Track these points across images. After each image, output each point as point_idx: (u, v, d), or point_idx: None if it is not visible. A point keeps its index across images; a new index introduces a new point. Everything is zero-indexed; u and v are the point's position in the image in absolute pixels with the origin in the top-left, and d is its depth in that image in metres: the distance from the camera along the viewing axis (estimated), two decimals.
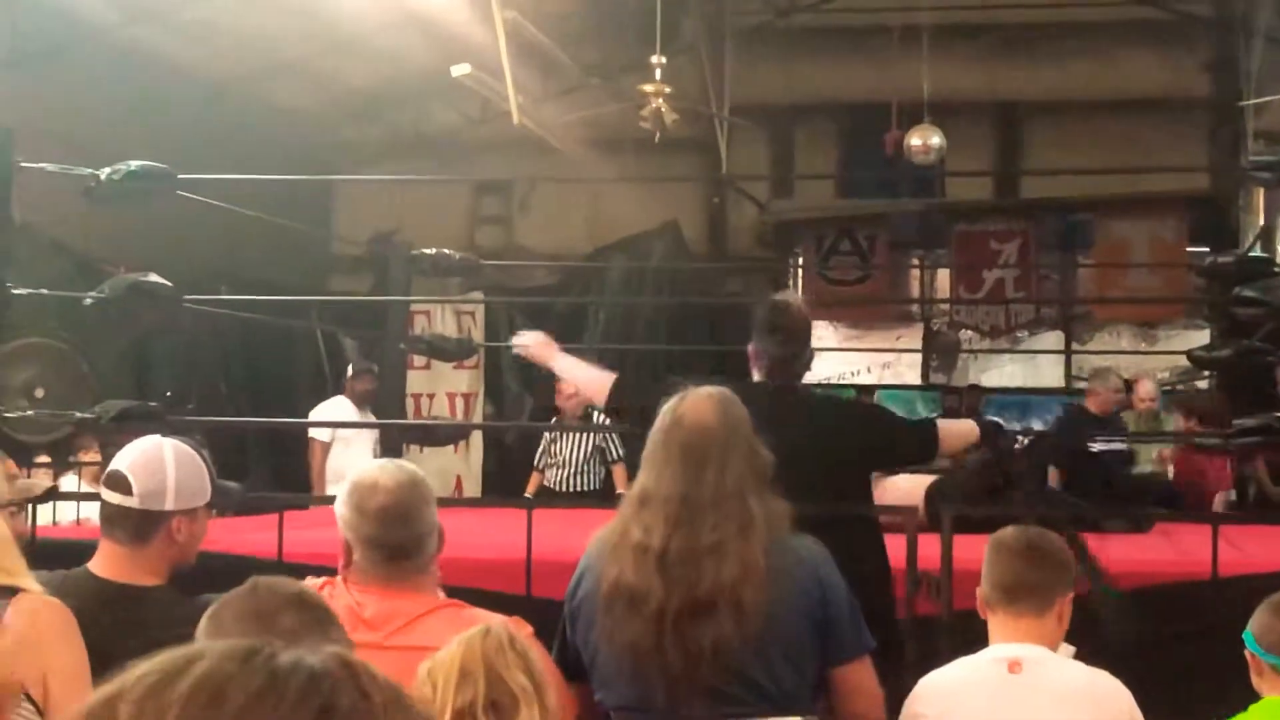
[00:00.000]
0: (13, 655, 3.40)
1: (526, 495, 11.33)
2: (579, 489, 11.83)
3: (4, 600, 3.45)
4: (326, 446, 12.17)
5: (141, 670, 1.21)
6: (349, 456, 12.03)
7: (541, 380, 16.86)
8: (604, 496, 11.11)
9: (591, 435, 11.86)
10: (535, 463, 12.04)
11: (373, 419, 11.98)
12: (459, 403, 16.18)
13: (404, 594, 3.80)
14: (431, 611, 3.76)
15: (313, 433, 12.35)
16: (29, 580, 3.59)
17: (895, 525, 5.47)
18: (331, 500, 3.86)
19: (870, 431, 5.59)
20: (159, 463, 3.94)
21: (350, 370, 12.37)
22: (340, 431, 12.13)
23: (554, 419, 12.36)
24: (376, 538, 3.83)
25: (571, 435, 11.80)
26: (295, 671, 1.20)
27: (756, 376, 5.57)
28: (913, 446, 5.78)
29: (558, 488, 11.78)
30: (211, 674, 1.18)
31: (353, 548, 3.85)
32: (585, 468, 11.96)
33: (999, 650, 4.20)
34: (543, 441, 11.92)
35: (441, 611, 3.75)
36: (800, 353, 5.57)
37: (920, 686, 4.28)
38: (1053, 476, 11.83)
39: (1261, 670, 4.24)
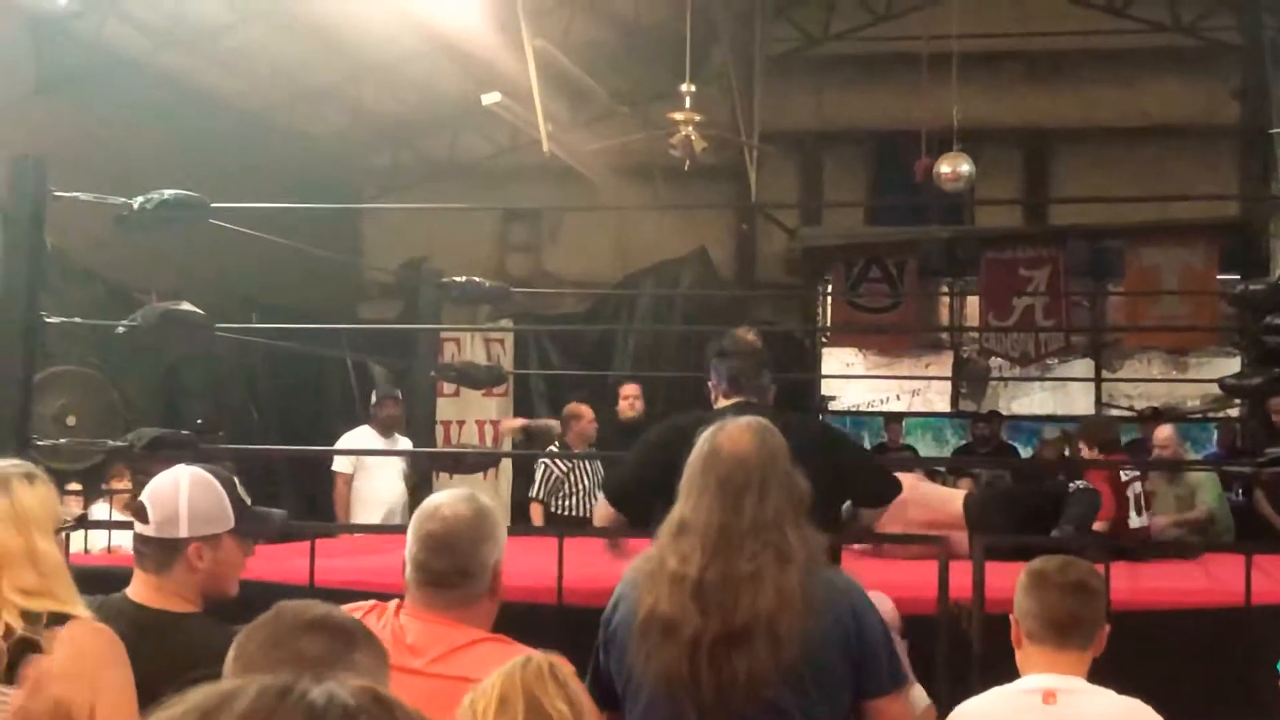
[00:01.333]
0: (63, 681, 3.41)
1: (535, 524, 11.27)
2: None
3: (47, 629, 3.46)
4: (348, 478, 12.11)
5: (180, 709, 1.22)
6: (372, 485, 12.03)
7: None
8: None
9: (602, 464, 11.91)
10: (534, 494, 11.76)
11: (401, 444, 11.95)
12: (488, 430, 16.18)
13: (448, 623, 3.78)
14: (475, 643, 3.75)
15: (334, 465, 12.30)
16: (80, 608, 3.59)
17: (929, 553, 5.45)
18: (361, 529, 3.86)
19: (828, 459, 5.32)
20: (172, 490, 3.94)
21: (374, 397, 12.31)
22: (363, 460, 12.10)
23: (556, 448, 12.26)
24: (421, 563, 3.83)
25: (588, 466, 11.76)
26: (330, 708, 1.22)
27: (719, 404, 5.65)
28: (868, 488, 5.64)
29: (587, 515, 11.74)
30: (250, 714, 1.20)
31: (407, 567, 3.86)
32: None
33: (1034, 680, 4.16)
34: (554, 473, 11.68)
35: (485, 644, 3.74)
36: (755, 369, 5.63)
37: (955, 716, 4.25)
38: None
39: None
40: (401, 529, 4.04)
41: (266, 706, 1.20)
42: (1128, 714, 4.11)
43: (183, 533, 3.91)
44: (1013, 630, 4.26)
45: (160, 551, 3.92)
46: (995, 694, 4.22)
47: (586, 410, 11.90)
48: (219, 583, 4.03)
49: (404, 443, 11.87)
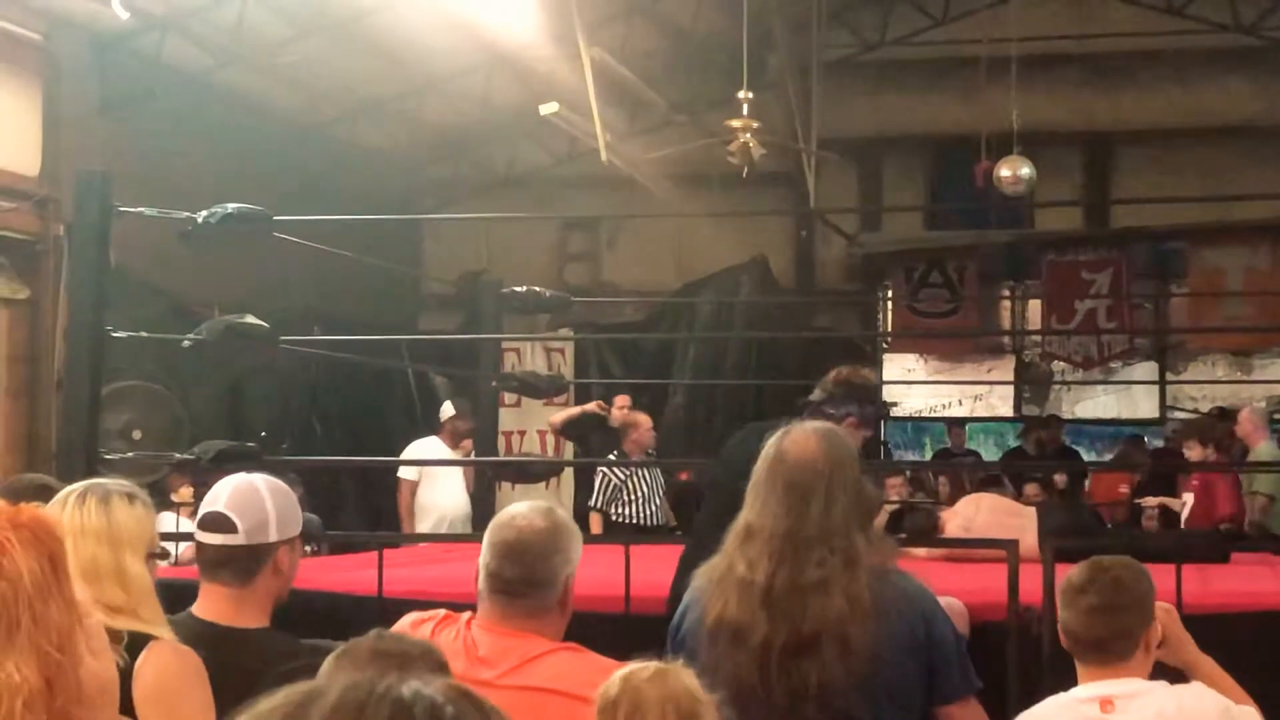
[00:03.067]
0: (144, 704, 3.42)
1: (594, 534, 11.29)
2: (660, 523, 11.89)
3: (128, 649, 3.47)
4: (413, 485, 12.25)
5: (271, 703, 1.24)
6: (436, 494, 12.12)
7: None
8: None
9: (659, 472, 12.00)
10: (594, 504, 11.87)
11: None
12: (550, 439, 16.19)
13: (520, 634, 3.78)
14: (548, 653, 3.75)
15: (400, 472, 12.41)
16: (164, 629, 3.61)
17: (997, 556, 5.42)
18: (423, 538, 3.86)
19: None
20: (257, 496, 3.96)
21: (452, 409, 12.40)
22: (428, 470, 12.19)
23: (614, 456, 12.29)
24: (493, 571, 3.84)
25: (644, 472, 11.82)
26: (418, 700, 1.24)
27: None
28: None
29: (646, 522, 11.78)
30: (343, 704, 1.22)
31: (480, 576, 3.86)
32: (662, 502, 12.03)
33: (1090, 689, 4.09)
34: (611, 481, 11.79)
35: (558, 654, 3.74)
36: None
37: None
38: None
39: None
40: (466, 537, 4.05)
41: (356, 700, 1.22)
42: (1186, 706, 4.06)
43: (273, 537, 3.94)
44: (1061, 637, 4.22)
45: (248, 559, 3.92)
46: (1052, 703, 4.17)
47: (644, 419, 11.97)
48: (287, 588, 4.06)
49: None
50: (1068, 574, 4.26)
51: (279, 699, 1.24)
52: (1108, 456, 17.27)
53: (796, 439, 4.15)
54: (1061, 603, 4.19)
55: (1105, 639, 4.08)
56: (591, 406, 12.92)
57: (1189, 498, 11.11)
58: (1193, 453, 11.24)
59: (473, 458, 11.65)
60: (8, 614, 2.43)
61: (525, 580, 3.83)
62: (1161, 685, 4.11)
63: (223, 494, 3.97)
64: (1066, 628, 4.16)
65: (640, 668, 3.23)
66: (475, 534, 4.47)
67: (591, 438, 12.70)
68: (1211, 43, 16.43)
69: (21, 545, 2.49)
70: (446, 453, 12.15)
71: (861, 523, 4.08)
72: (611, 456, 11.99)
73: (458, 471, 12.13)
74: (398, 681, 1.26)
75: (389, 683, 1.25)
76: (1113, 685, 4.08)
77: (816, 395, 5.60)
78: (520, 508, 3.92)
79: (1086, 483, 14.99)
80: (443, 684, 1.28)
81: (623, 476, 11.80)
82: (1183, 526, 10.81)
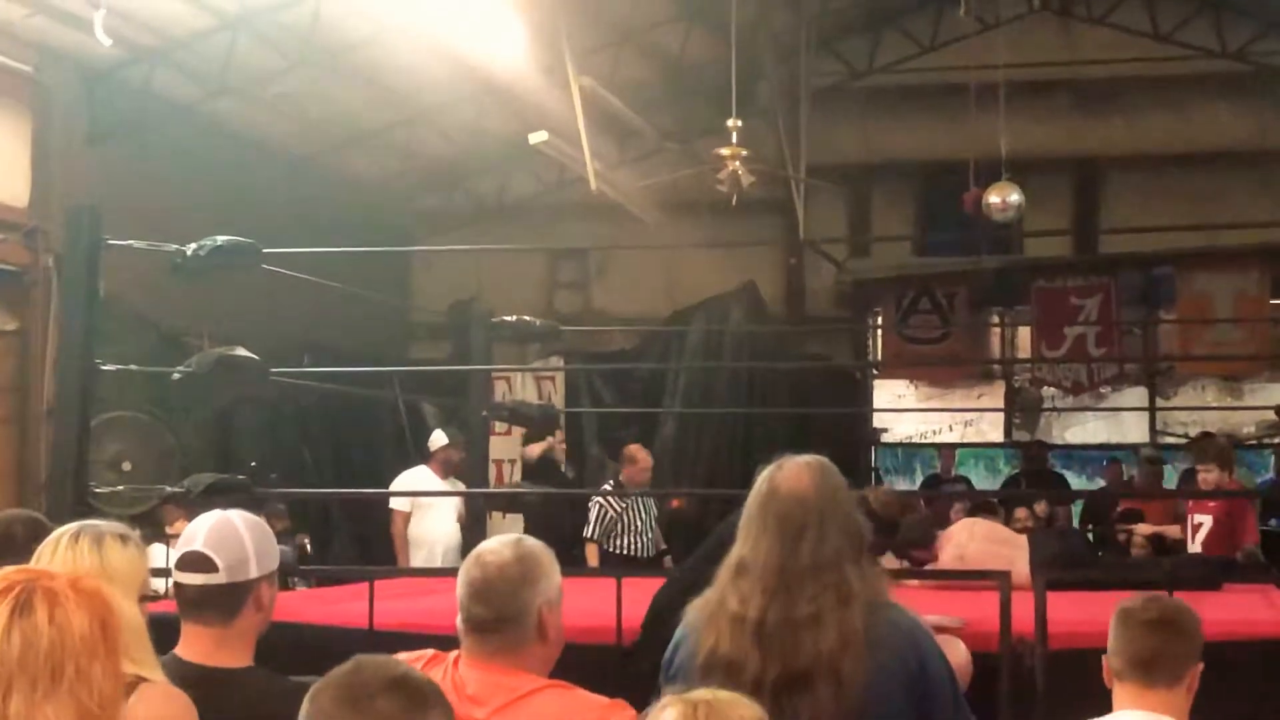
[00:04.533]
0: None
1: (591, 565, 11.26)
2: (653, 554, 11.89)
3: None
4: (406, 516, 12.20)
5: None
6: (428, 525, 12.08)
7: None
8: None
9: (653, 504, 12.00)
10: (589, 534, 11.80)
11: (459, 487, 11.99)
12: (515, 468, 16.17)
13: (506, 671, 3.76)
14: (535, 692, 3.73)
15: (392, 502, 12.38)
16: (156, 671, 3.59)
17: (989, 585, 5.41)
18: (414, 572, 3.84)
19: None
20: (235, 533, 3.93)
21: (444, 439, 12.34)
22: (420, 500, 12.16)
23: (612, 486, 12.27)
24: (466, 611, 3.82)
25: (641, 504, 11.81)
26: None
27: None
28: None
29: (640, 554, 11.75)
30: None
31: (460, 619, 3.85)
32: (655, 533, 12.03)
33: (1125, 717, 4.13)
34: (608, 512, 11.76)
35: (546, 692, 3.72)
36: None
37: None
38: None
39: None
40: (454, 571, 4.03)
41: None
42: None
43: (254, 573, 3.91)
44: (1104, 670, 4.23)
45: (229, 597, 3.90)
46: None
47: (644, 456, 11.96)
48: (268, 622, 4.04)
49: (459, 485, 11.95)
50: (1124, 601, 4.30)
51: None
52: (1099, 481, 17.27)
53: (788, 473, 4.13)
54: (1119, 623, 4.22)
55: (1157, 658, 4.11)
56: (549, 443, 12.94)
57: (1206, 519, 11.01)
58: (1210, 476, 11.14)
59: (461, 488, 11.65)
60: (53, 660, 2.42)
61: (496, 619, 3.81)
62: None
63: (200, 533, 3.93)
64: (1120, 647, 4.17)
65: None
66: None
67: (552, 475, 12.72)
68: (1199, 68, 16.48)
69: (78, 603, 2.50)
70: (437, 483, 12.11)
71: (854, 555, 4.06)
72: (607, 487, 11.98)
73: (450, 501, 12.09)
74: None
75: None
76: (1151, 717, 4.08)
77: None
78: (491, 543, 3.90)
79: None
80: None
81: (620, 508, 11.79)
82: (1199, 550, 10.73)
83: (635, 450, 12.01)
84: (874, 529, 5.57)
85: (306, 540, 13.01)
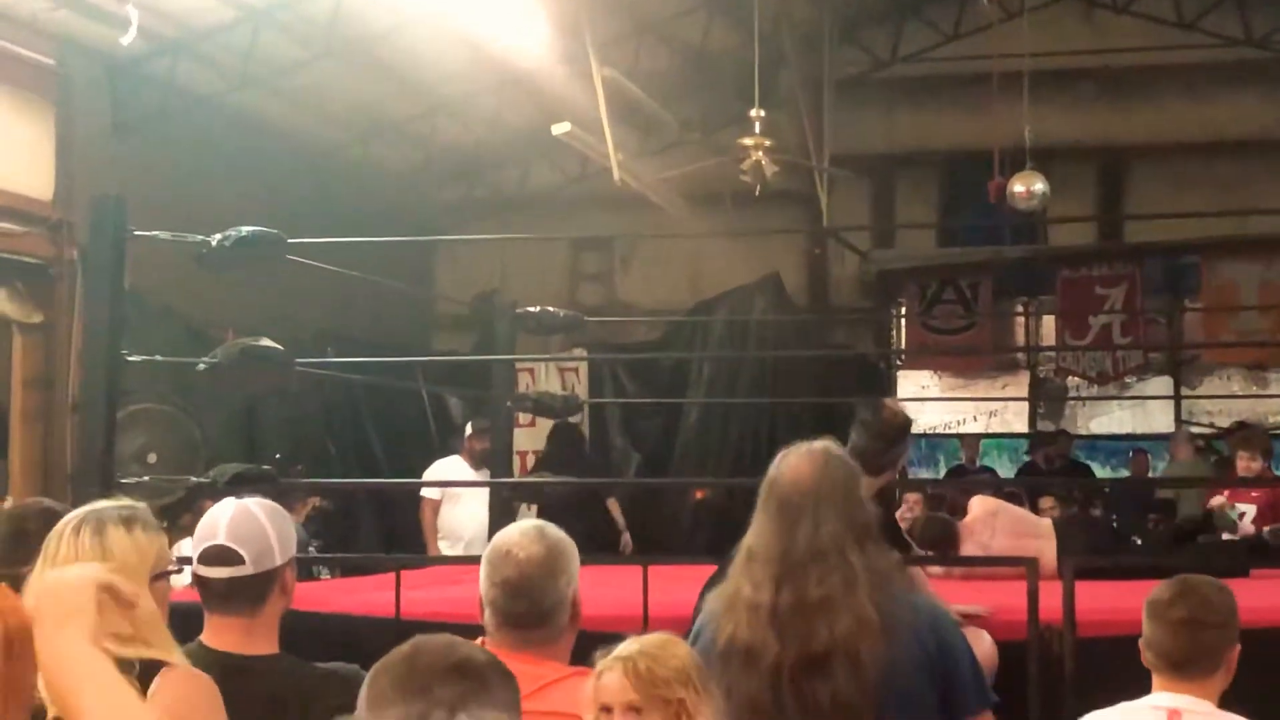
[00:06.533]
0: None
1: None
2: None
3: (141, 677, 3.44)
4: (436, 505, 12.22)
5: None
6: (458, 514, 12.09)
7: (649, 437, 16.92)
8: None
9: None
10: None
11: (488, 477, 12.00)
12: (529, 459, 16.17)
13: (533, 660, 3.76)
14: (563, 679, 3.73)
15: (424, 491, 12.40)
16: (176, 655, 3.57)
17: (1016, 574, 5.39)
18: (443, 560, 3.82)
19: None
20: (256, 523, 3.92)
21: (470, 429, 12.36)
22: (450, 489, 12.18)
23: None
24: (501, 607, 3.81)
25: None
26: None
27: None
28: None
29: None
30: None
31: (484, 609, 3.84)
32: None
33: (1160, 699, 4.13)
34: None
35: (572, 679, 3.73)
36: (881, 449, 5.51)
37: None
38: None
39: None
40: (476, 559, 4.02)
41: None
42: None
43: (279, 560, 3.91)
44: (1142, 653, 4.22)
45: (257, 587, 3.89)
46: (1120, 709, 4.18)
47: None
48: (289, 605, 4.03)
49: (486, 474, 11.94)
50: (1154, 590, 4.29)
51: None
52: (1123, 472, 17.21)
53: (790, 461, 4.16)
54: (1148, 616, 4.21)
55: (1191, 655, 4.11)
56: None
57: (1249, 509, 10.95)
58: (1255, 464, 11.07)
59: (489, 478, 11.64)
60: None
61: (535, 614, 3.82)
62: (1236, 717, 4.11)
63: (220, 524, 3.92)
64: (1151, 641, 4.17)
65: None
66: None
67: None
68: (1224, 57, 16.41)
69: None
70: (469, 472, 12.13)
71: (855, 541, 4.06)
72: None
73: (481, 491, 12.10)
74: (446, 716, 1.22)
75: (439, 717, 1.22)
76: (1184, 700, 4.08)
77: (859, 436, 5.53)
78: (513, 536, 3.89)
79: None
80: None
81: None
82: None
83: None
84: (878, 442, 5.58)
85: (318, 501, 12.91)
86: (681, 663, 3.57)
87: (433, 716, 1.19)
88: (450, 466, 12.29)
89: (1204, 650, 4.13)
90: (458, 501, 12.14)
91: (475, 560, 4.12)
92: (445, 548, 11.93)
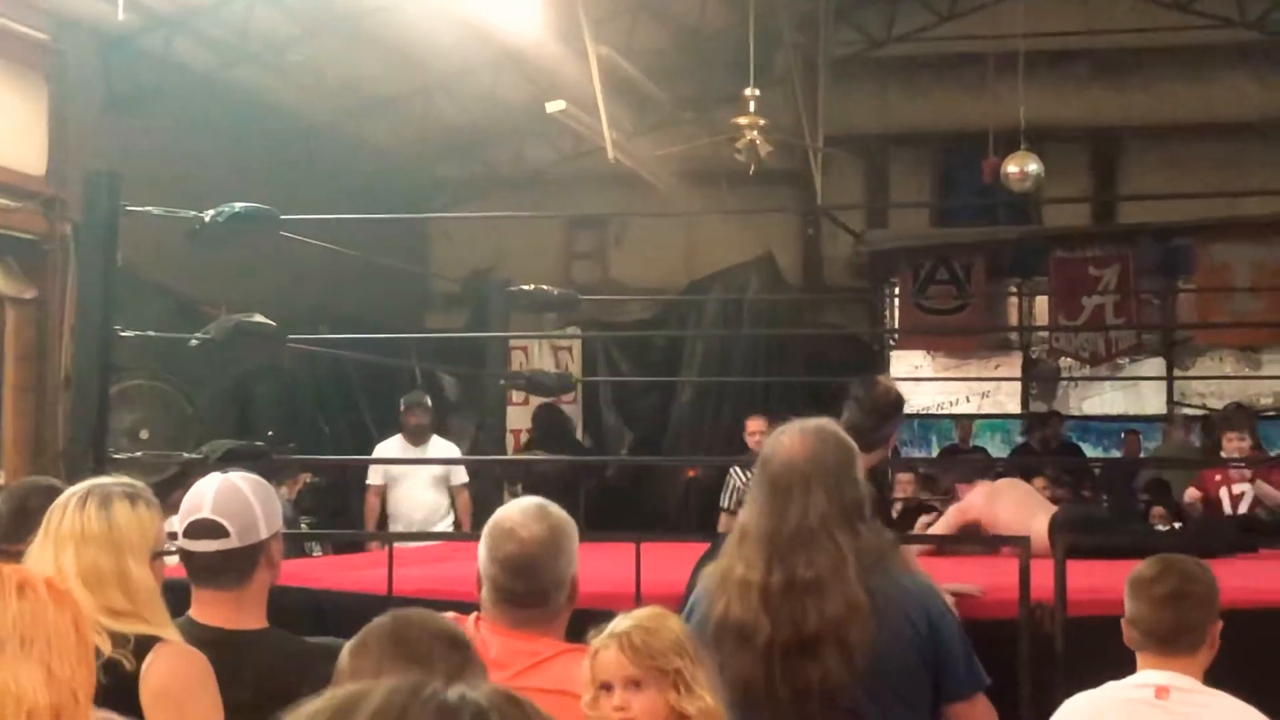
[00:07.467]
0: (151, 707, 3.41)
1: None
2: None
3: (135, 652, 3.45)
4: (380, 489, 11.99)
5: (314, 707, 1.22)
6: (403, 495, 11.91)
7: (642, 416, 16.92)
8: None
9: None
10: (724, 504, 11.38)
11: (434, 449, 11.87)
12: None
13: (530, 637, 3.79)
14: (558, 655, 3.75)
15: (367, 476, 12.19)
16: (170, 631, 3.59)
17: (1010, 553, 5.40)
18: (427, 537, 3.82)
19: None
20: (240, 496, 3.94)
21: (403, 405, 12.08)
22: (391, 472, 12.00)
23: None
24: (500, 584, 3.83)
25: None
26: (464, 706, 1.22)
27: None
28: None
29: None
30: (386, 708, 1.20)
31: (483, 585, 3.85)
32: None
33: (1147, 676, 4.16)
34: (732, 481, 11.26)
35: (567, 655, 3.74)
36: (873, 425, 5.49)
37: (1064, 709, 4.22)
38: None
39: None
40: (464, 536, 4.03)
41: (399, 703, 1.21)
42: (1240, 717, 4.08)
43: (264, 533, 3.93)
44: (1125, 633, 4.25)
45: (244, 561, 3.91)
46: (1108, 688, 4.22)
47: (756, 424, 11.18)
48: (277, 577, 4.05)
49: (437, 447, 11.81)
50: (1136, 568, 4.32)
51: (321, 703, 1.23)
52: (1115, 453, 17.25)
53: (783, 440, 4.18)
54: (1130, 594, 4.25)
55: (1174, 630, 4.14)
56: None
57: (1246, 488, 10.99)
58: (1245, 444, 11.12)
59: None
60: (25, 631, 2.41)
61: (537, 593, 3.83)
62: (1222, 693, 4.13)
63: (206, 499, 3.93)
64: (1135, 618, 4.21)
65: None
66: (474, 534, 4.45)
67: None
68: (1218, 38, 16.42)
69: (52, 597, 2.49)
70: (410, 451, 11.87)
71: (848, 520, 4.07)
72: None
73: (424, 472, 11.93)
74: (443, 686, 1.24)
75: (434, 687, 1.24)
76: (1172, 677, 4.12)
77: (852, 412, 5.51)
78: (514, 514, 3.89)
79: None
80: (489, 689, 1.26)
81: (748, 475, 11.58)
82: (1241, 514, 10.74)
83: (750, 421, 11.59)
84: (870, 418, 5.56)
85: (309, 477, 12.82)
86: (675, 634, 3.59)
87: (430, 685, 1.20)
88: (391, 446, 12.01)
89: (1188, 625, 4.16)
90: (399, 484, 11.93)
91: (470, 537, 4.13)
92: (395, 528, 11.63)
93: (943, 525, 8.03)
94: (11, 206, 12.29)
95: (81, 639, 2.46)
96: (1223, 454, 11.21)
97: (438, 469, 11.80)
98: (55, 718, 2.36)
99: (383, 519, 11.84)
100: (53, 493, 3.90)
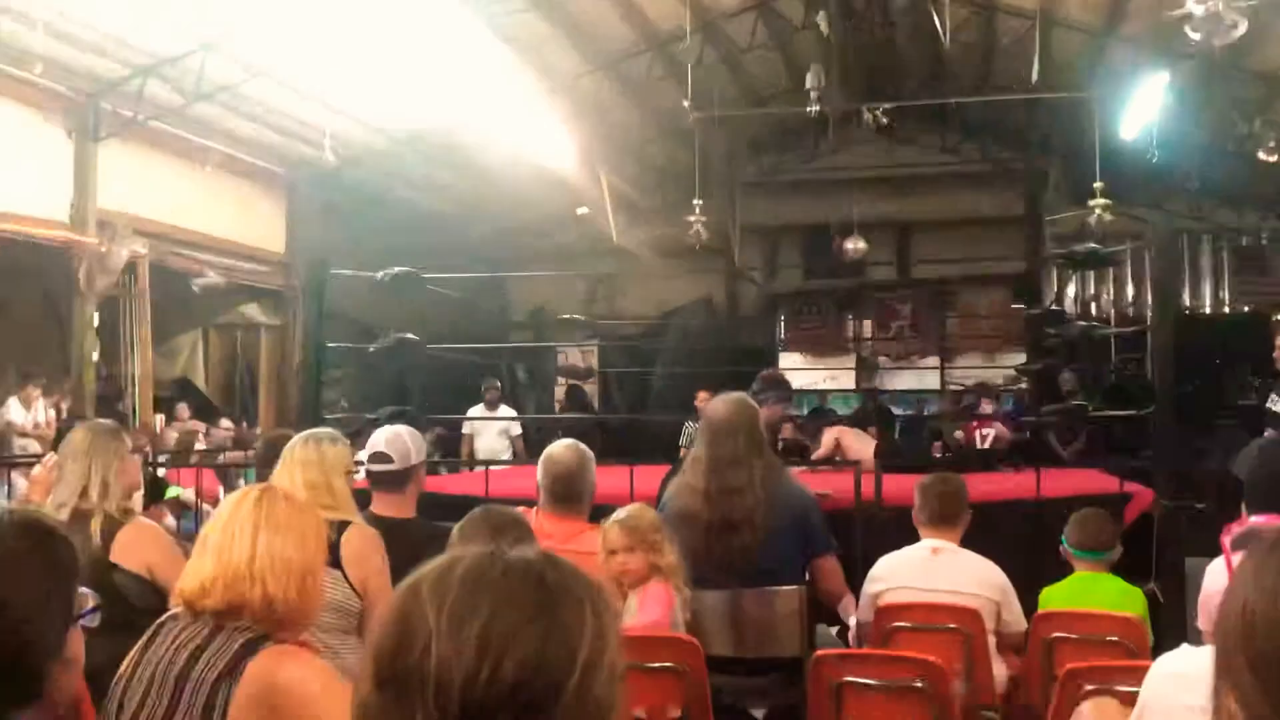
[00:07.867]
0: (348, 563, 3.37)
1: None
2: None
3: (337, 530, 3.37)
4: (469, 437, 11.87)
5: (426, 568, 1.22)
6: (481, 444, 11.77)
7: (634, 392, 16.79)
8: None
9: None
10: (681, 443, 10.25)
11: (502, 412, 11.76)
12: None
13: (568, 520, 3.80)
14: (584, 531, 3.77)
15: (463, 428, 12.01)
16: (358, 518, 3.57)
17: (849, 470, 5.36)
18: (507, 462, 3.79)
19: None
20: (400, 439, 3.93)
21: (484, 386, 11.97)
22: (476, 427, 11.82)
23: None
24: (550, 489, 3.84)
25: None
26: (520, 560, 1.21)
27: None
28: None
29: None
30: (472, 566, 1.19)
31: (540, 490, 3.86)
32: None
33: (927, 543, 4.17)
34: (687, 429, 10.23)
35: (590, 531, 3.76)
36: (768, 395, 5.34)
37: (877, 565, 4.23)
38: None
39: (1071, 559, 4.21)
40: (509, 462, 4.02)
41: (480, 563, 1.20)
42: (982, 565, 4.10)
43: (414, 460, 3.92)
44: (914, 515, 4.25)
45: (402, 477, 3.90)
46: (903, 550, 4.22)
47: (703, 395, 9.89)
48: (421, 489, 4.02)
49: (504, 411, 11.79)
50: (921, 478, 4.29)
51: (432, 565, 1.22)
52: (910, 412, 17.09)
53: (718, 405, 4.19)
54: (918, 493, 4.23)
55: (941, 514, 4.14)
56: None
57: (991, 432, 11.03)
58: (988, 406, 11.23)
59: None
60: (280, 521, 2.33)
61: (571, 495, 3.85)
62: (970, 551, 4.14)
63: (380, 440, 3.93)
64: (920, 508, 4.21)
65: None
66: (530, 461, 4.45)
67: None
68: (971, 168, 16.37)
69: (294, 503, 2.41)
70: (487, 412, 11.78)
71: (758, 452, 4.08)
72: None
73: (493, 427, 11.76)
74: (508, 550, 1.22)
75: (502, 550, 1.22)
76: (941, 543, 4.12)
77: (757, 386, 5.48)
78: (557, 449, 3.93)
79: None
80: (538, 551, 1.24)
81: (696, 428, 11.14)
82: (988, 448, 10.78)
83: (701, 394, 10.25)
84: (766, 390, 5.52)
85: (439, 430, 12.67)
86: (652, 520, 3.59)
87: (501, 546, 1.20)
88: (477, 411, 11.83)
89: (950, 512, 4.17)
90: (479, 434, 11.77)
91: (531, 463, 4.12)
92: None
93: (822, 452, 8.07)
94: (264, 270, 12.30)
95: (316, 526, 2.45)
96: (978, 412, 11.26)
97: (501, 424, 11.73)
98: (310, 573, 2.35)
99: (472, 455, 11.79)
100: (288, 438, 3.91)
